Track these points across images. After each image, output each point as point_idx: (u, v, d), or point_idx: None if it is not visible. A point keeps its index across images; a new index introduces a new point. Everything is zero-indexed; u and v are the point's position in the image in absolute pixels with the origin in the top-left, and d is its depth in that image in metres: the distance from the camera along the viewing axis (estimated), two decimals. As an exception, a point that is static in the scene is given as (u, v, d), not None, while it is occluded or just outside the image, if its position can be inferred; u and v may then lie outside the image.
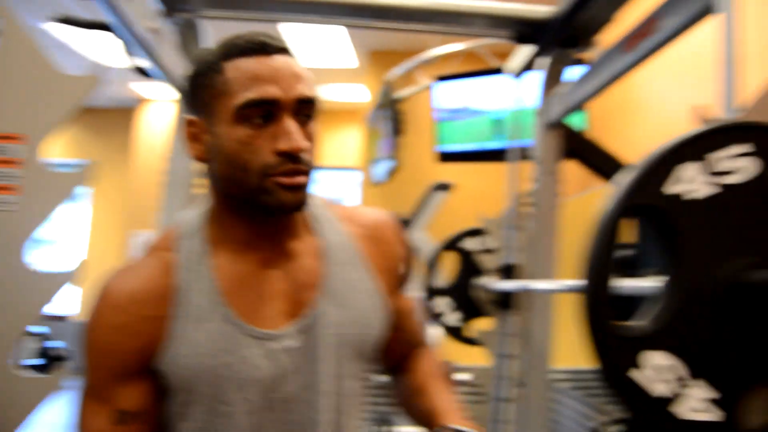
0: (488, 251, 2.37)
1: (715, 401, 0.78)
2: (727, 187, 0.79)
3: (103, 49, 6.08)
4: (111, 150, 8.59)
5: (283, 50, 0.93)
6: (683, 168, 0.79)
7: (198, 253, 0.96)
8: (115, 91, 7.81)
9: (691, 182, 0.79)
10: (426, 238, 3.79)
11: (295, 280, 0.99)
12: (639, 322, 0.80)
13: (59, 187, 0.79)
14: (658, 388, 0.78)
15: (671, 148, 0.79)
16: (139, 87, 7.65)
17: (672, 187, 0.79)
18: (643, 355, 0.78)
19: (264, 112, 0.90)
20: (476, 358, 2.66)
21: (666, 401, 0.78)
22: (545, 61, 2.14)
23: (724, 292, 0.79)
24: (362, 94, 6.74)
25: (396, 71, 4.95)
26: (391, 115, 4.70)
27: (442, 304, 2.45)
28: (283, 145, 0.89)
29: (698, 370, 0.78)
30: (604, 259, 0.79)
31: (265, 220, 0.97)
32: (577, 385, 3.89)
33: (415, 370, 1.18)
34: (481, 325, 2.44)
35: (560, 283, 1.62)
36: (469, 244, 2.47)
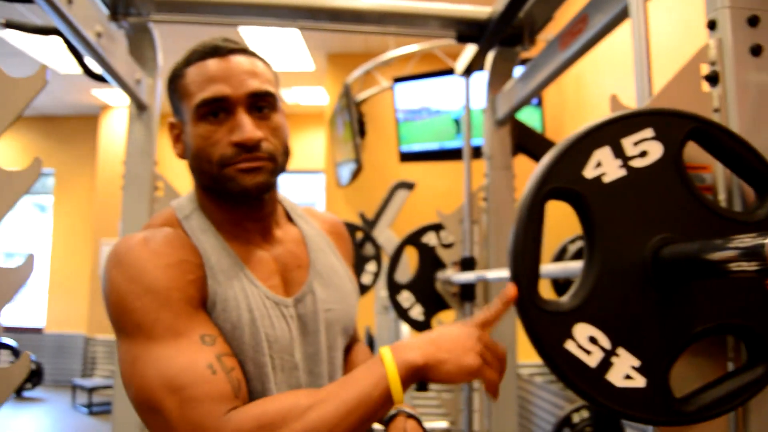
0: (447, 246, 2.42)
1: (638, 369, 0.84)
2: (635, 170, 0.85)
3: (63, 55, 6.02)
4: (75, 158, 8.51)
5: (237, 51, 1.01)
6: (596, 153, 0.85)
7: (204, 228, 1.02)
8: (76, 98, 7.74)
9: (604, 166, 0.85)
10: (391, 236, 3.84)
11: (284, 262, 1.06)
12: (566, 299, 0.85)
13: (12, 185, 0.82)
14: (591, 358, 0.82)
15: (582, 134, 0.85)
16: (102, 94, 7.59)
17: (587, 171, 0.84)
18: (574, 329, 0.83)
19: (218, 109, 0.98)
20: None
21: (601, 371, 0.82)
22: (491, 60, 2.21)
23: (639, 268, 0.84)
24: (322, 97, 6.77)
25: (355, 73, 5.00)
26: (353, 117, 4.74)
27: (404, 298, 2.50)
28: (235, 137, 0.96)
29: (619, 340, 0.83)
30: (528, 238, 0.84)
31: (246, 208, 1.03)
32: (550, 379, 3.97)
33: (352, 360, 1.25)
34: (445, 317, 2.49)
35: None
36: (429, 239, 2.52)
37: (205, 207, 1.05)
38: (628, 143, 0.85)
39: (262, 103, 1.00)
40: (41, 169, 0.86)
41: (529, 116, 4.43)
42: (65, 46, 1.78)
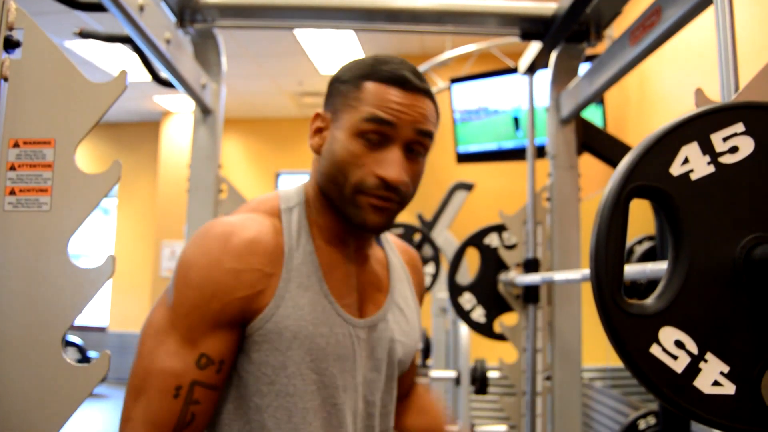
0: (510, 247, 2.39)
1: (727, 375, 0.80)
2: (724, 167, 0.81)
3: (126, 64, 6.20)
4: (137, 163, 8.76)
5: (423, 91, 0.99)
6: (683, 149, 0.81)
7: (300, 226, 1.02)
8: (139, 105, 7.96)
9: (692, 163, 0.81)
10: (450, 238, 3.82)
11: (368, 281, 1.07)
12: (651, 301, 0.81)
13: (93, 187, 0.84)
14: (678, 364, 0.79)
15: (668, 129, 0.81)
16: (163, 100, 7.78)
17: (674, 169, 0.81)
18: (660, 332, 0.79)
19: (379, 134, 0.96)
20: (501, 352, 2.68)
21: (688, 376, 0.78)
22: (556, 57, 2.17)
23: (729, 269, 0.81)
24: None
25: (412, 74, 4.98)
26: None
27: (466, 300, 2.47)
28: (383, 172, 0.96)
29: (707, 344, 0.80)
30: (611, 238, 0.81)
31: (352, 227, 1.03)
32: (612, 383, 3.87)
33: (414, 400, 1.26)
34: (507, 320, 2.46)
35: (580, 272, 1.64)
36: (491, 240, 2.49)
37: (313, 205, 1.05)
38: (717, 138, 0.82)
39: (417, 147, 0.99)
40: (120, 172, 0.87)
41: (590, 114, 4.34)
42: (135, 53, 1.82)
